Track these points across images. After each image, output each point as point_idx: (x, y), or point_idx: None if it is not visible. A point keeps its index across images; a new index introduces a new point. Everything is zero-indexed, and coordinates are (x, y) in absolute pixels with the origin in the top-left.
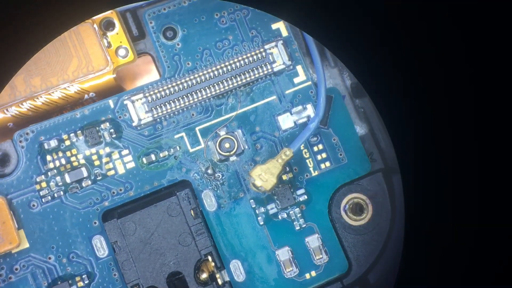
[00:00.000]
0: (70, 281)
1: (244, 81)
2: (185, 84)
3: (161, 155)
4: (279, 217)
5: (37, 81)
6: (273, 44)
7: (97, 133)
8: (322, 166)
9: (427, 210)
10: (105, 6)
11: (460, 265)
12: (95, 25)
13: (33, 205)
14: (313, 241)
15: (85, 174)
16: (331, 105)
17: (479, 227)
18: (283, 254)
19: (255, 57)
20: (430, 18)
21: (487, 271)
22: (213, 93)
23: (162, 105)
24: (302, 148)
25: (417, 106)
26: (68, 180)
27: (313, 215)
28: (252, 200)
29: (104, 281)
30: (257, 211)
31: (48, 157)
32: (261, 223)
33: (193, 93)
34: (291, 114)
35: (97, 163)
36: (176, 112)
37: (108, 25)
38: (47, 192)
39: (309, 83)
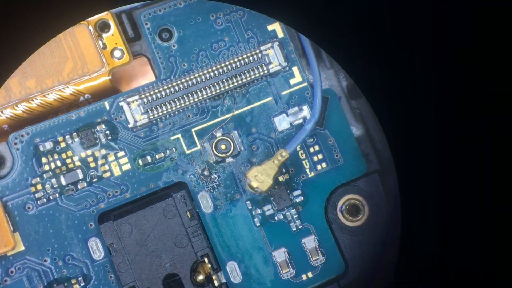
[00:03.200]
0: (66, 284)
1: (240, 82)
2: (181, 86)
3: (157, 156)
4: (276, 218)
5: (32, 83)
6: (269, 45)
7: (92, 135)
8: (319, 167)
9: (423, 210)
10: (101, 7)
11: (458, 266)
12: (90, 27)
13: (29, 208)
14: (309, 242)
15: (81, 176)
16: (327, 106)
17: (477, 227)
18: (280, 255)
19: (251, 58)
20: (426, 19)
21: (485, 272)
22: (209, 94)
23: (158, 106)
24: (298, 149)
25: (413, 106)
26: (63, 182)
27: (310, 216)
28: (248, 202)
29: (100, 283)
30: (253, 213)
31: (44, 159)
32: (258, 224)
33: (189, 94)
34: (287, 115)
35: (92, 165)
36: (172, 114)
37: (103, 27)
38: (42, 194)
39: (305, 84)
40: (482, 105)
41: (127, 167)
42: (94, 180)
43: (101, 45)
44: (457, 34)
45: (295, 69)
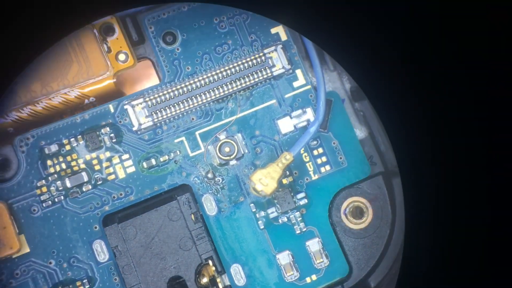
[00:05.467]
0: (71, 286)
1: (243, 85)
2: (185, 89)
3: (161, 159)
4: (280, 221)
5: (37, 86)
6: (272, 48)
7: (97, 137)
8: (322, 169)
9: (427, 213)
10: (105, 11)
11: (460, 268)
12: (95, 30)
13: (34, 210)
14: (313, 245)
15: (86, 178)
16: (331, 108)
17: (479, 229)
18: (284, 258)
19: (254, 61)
20: (429, 21)
21: (487, 273)
22: (213, 97)
23: (162, 109)
24: (302, 152)
25: (416, 109)
26: (68, 184)
27: (314, 219)
28: (252, 204)
29: (105, 285)
30: (257, 215)
31: (49, 162)
32: (262, 227)
33: (193, 97)
34: (291, 118)
35: (97, 167)
36: (176, 117)
37: (108, 30)
38: (47, 196)
39: (309, 87)
40: (486, 108)
41: (131, 169)
42: (99, 182)
43: (106, 49)
44: (461, 35)
45: (298, 71)
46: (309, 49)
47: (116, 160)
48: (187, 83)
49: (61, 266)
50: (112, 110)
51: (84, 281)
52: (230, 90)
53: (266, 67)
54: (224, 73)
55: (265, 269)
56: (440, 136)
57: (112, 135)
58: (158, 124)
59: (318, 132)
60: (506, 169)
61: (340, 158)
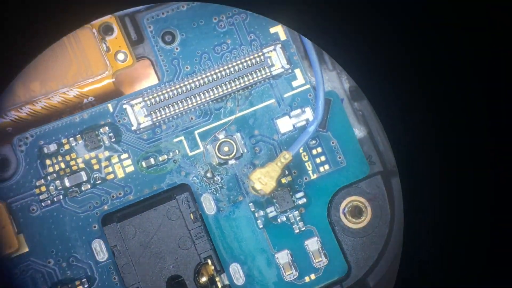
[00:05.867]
0: (70, 285)
1: (242, 84)
2: (184, 88)
3: (160, 159)
4: (279, 220)
5: (36, 86)
6: (271, 47)
7: (96, 137)
8: (321, 169)
9: (425, 212)
10: (104, 11)
11: (459, 267)
12: (94, 30)
13: (33, 209)
14: (312, 244)
15: (85, 178)
16: (330, 108)
17: (478, 229)
18: (283, 257)
19: (253, 60)
20: (428, 21)
21: (486, 273)
22: (212, 96)
23: (161, 109)
24: (301, 151)
25: (415, 108)
26: (67, 184)
27: (312, 218)
28: (251, 204)
29: (104, 285)
30: (256, 215)
31: (48, 161)
32: (261, 226)
33: (192, 97)
34: (290, 117)
35: (96, 167)
36: (175, 116)
37: (107, 30)
38: (46, 196)
39: (308, 86)
40: (485, 107)
41: (130, 169)
42: (98, 182)
43: (105, 48)
44: (461, 35)
45: (297, 71)
46: (308, 48)
47: (115, 159)
48: (186, 83)
49: (60, 265)
50: (111, 110)
51: (83, 280)
52: (229, 90)
53: (265, 67)
54: (223, 72)
55: (264, 268)
56: (438, 135)
57: (111, 134)
58: (157, 123)
59: (317, 131)
60: (506, 169)
61: (339, 157)
